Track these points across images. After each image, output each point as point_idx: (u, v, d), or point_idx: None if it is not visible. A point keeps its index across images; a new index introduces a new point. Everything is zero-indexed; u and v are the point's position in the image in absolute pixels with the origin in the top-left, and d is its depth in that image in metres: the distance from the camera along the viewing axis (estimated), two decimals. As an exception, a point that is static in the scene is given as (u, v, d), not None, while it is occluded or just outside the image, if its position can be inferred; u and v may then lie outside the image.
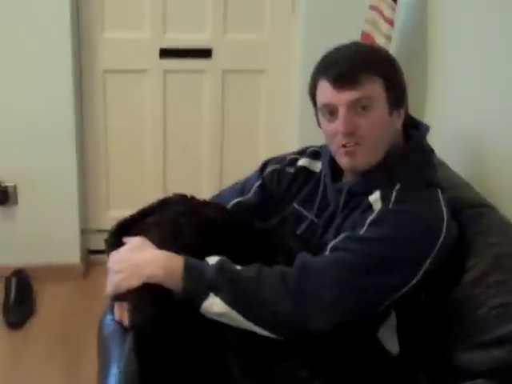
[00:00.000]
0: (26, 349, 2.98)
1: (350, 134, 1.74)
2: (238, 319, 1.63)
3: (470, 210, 1.88)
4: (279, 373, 1.64)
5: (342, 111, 1.74)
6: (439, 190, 1.78)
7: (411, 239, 1.66)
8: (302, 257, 1.69)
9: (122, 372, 1.77)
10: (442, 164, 2.11)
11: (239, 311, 1.62)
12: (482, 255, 1.72)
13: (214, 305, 1.62)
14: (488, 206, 1.92)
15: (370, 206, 1.75)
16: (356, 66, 1.74)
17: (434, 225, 1.69)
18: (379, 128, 1.76)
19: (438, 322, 1.73)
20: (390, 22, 2.69)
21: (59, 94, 3.22)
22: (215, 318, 1.64)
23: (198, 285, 1.63)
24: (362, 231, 1.69)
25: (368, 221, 1.69)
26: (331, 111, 1.77)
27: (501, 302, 1.58)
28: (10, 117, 3.24)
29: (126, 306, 1.76)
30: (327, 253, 1.70)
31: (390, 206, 1.71)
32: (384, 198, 1.73)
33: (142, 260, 1.69)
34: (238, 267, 1.66)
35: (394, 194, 1.73)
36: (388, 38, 2.70)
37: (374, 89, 1.74)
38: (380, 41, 2.68)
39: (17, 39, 3.13)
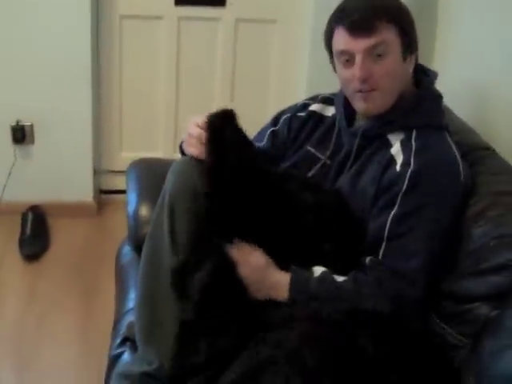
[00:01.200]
0: (42, 281, 3.09)
1: (365, 79, 1.82)
2: None
3: (473, 152, 1.99)
4: None
5: (358, 58, 1.81)
6: (447, 133, 1.89)
7: (442, 192, 1.77)
8: (387, 262, 1.75)
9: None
10: (449, 110, 2.21)
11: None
12: (483, 192, 1.83)
13: None
14: (489, 149, 2.05)
15: (392, 159, 1.83)
16: (371, 13, 1.81)
17: (454, 170, 1.80)
18: (394, 74, 1.84)
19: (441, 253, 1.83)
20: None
21: (77, 37, 3.30)
22: None
23: (301, 297, 1.74)
24: (398, 205, 1.76)
25: (401, 191, 1.76)
26: (348, 58, 1.84)
27: (499, 234, 1.70)
28: (28, 58, 3.32)
29: None
30: (384, 246, 1.76)
31: (413, 166, 1.78)
32: (404, 149, 1.82)
33: (272, 280, 1.77)
34: (339, 278, 1.75)
35: (413, 144, 1.82)
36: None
37: (389, 35, 1.81)
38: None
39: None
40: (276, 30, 3.58)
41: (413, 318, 1.75)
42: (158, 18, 3.49)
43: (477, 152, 2.01)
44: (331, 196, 1.90)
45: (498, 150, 2.05)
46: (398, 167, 1.81)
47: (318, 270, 1.76)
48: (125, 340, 2.01)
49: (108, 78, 3.57)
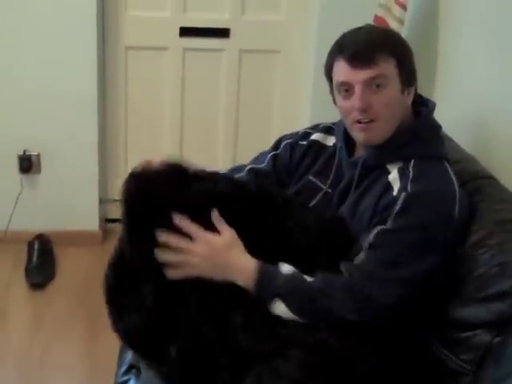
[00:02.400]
0: (48, 309, 3.11)
1: (364, 110, 1.84)
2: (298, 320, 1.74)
3: (474, 181, 2.01)
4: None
5: (358, 89, 1.84)
6: (447, 163, 1.91)
7: (435, 220, 1.77)
8: (362, 265, 1.77)
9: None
10: (450, 139, 2.24)
11: (302, 318, 1.73)
12: (484, 220, 1.84)
13: (279, 310, 1.73)
14: (491, 177, 2.06)
15: (389, 185, 1.85)
16: (371, 46, 1.84)
17: (450, 200, 1.81)
18: (392, 105, 1.86)
19: (443, 281, 1.84)
20: (403, 6, 2.78)
21: (83, 68, 3.35)
22: None
23: (267, 291, 1.74)
24: (389, 223, 1.77)
25: (394, 211, 1.78)
26: (347, 89, 1.87)
27: (501, 261, 1.72)
28: (36, 89, 3.36)
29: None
30: (364, 253, 1.78)
31: (409, 190, 1.79)
32: (402, 177, 1.84)
33: (231, 262, 1.76)
34: (308, 278, 1.75)
35: (411, 172, 1.83)
36: (400, 21, 2.79)
37: (388, 68, 1.85)
38: (393, 24, 2.77)
39: (45, 15, 3.27)
40: (279, 60, 3.63)
41: (380, 324, 1.75)
42: (163, 48, 3.55)
43: (478, 180, 2.03)
44: (334, 220, 1.93)
45: (499, 178, 2.07)
46: (394, 193, 1.83)
47: (288, 268, 1.77)
48: (130, 367, 2.03)
49: (114, 107, 3.61)
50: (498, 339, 1.65)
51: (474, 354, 1.69)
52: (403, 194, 1.79)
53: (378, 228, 1.79)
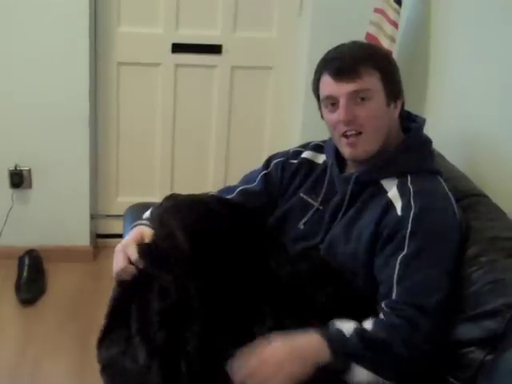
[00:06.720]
0: (38, 325, 3.09)
1: (349, 122, 1.87)
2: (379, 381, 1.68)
3: (466, 198, 2.03)
4: None
5: (342, 101, 1.87)
6: (440, 177, 1.93)
7: (445, 229, 1.80)
8: (405, 301, 1.72)
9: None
10: (441, 156, 2.26)
11: (382, 375, 1.67)
12: (476, 238, 1.86)
13: (357, 374, 1.66)
14: (483, 195, 2.08)
15: (390, 203, 1.85)
16: (355, 60, 1.88)
17: (452, 212, 1.84)
18: (377, 117, 1.89)
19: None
20: (395, 24, 2.81)
21: (75, 83, 3.35)
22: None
23: (340, 358, 1.66)
24: (406, 248, 1.76)
25: (407, 234, 1.77)
26: (333, 102, 1.90)
27: (493, 279, 1.72)
28: (28, 104, 3.36)
29: None
30: (396, 287, 1.74)
31: (414, 208, 1.80)
32: (403, 194, 1.85)
33: (299, 350, 1.68)
34: (368, 327, 1.70)
35: (411, 188, 1.85)
36: (392, 39, 2.81)
37: (372, 81, 1.87)
38: (385, 42, 2.80)
39: (38, 31, 3.26)
40: (271, 76, 3.64)
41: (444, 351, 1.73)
42: (156, 64, 3.55)
43: (470, 198, 2.04)
44: (322, 261, 1.93)
45: (490, 195, 2.08)
46: (399, 212, 1.82)
47: (347, 326, 1.71)
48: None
49: (105, 123, 3.61)
50: (490, 357, 1.65)
51: (467, 371, 1.69)
52: (410, 214, 1.80)
53: (399, 257, 1.77)
